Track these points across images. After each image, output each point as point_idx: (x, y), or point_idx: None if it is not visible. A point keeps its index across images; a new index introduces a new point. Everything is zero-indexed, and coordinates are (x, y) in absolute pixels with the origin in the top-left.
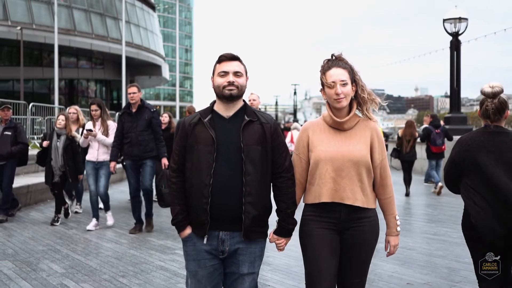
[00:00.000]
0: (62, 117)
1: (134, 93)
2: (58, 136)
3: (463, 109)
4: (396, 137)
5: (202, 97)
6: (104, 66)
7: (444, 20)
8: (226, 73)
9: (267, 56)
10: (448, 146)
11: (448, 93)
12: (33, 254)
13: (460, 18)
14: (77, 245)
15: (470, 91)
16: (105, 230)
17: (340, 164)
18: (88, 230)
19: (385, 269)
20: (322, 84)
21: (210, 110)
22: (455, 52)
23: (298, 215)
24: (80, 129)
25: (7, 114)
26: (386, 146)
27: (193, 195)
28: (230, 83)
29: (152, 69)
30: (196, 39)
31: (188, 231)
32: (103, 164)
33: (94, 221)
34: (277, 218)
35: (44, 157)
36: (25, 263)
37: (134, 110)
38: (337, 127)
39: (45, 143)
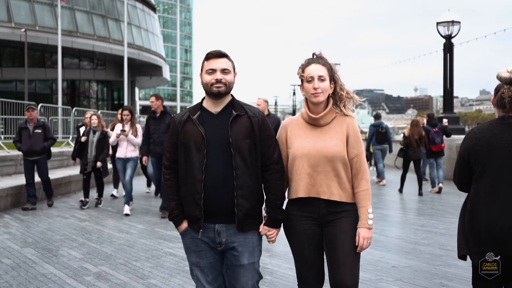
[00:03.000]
0: (95, 117)
1: (152, 102)
2: (94, 132)
3: (462, 109)
4: (401, 136)
5: (202, 97)
6: (106, 67)
7: (438, 23)
8: (213, 71)
9: (266, 56)
10: (448, 144)
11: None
12: (52, 243)
13: (453, 21)
14: (91, 235)
15: (469, 91)
16: (116, 222)
17: (315, 159)
18: (126, 215)
19: (374, 255)
20: (301, 80)
21: (199, 107)
22: (448, 54)
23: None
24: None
25: (32, 115)
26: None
27: (186, 191)
28: (218, 81)
29: (153, 70)
30: (196, 39)
31: (184, 225)
32: (130, 160)
33: (128, 206)
34: (266, 210)
35: (81, 151)
36: (46, 250)
37: (157, 115)
38: (313, 123)
39: (83, 139)
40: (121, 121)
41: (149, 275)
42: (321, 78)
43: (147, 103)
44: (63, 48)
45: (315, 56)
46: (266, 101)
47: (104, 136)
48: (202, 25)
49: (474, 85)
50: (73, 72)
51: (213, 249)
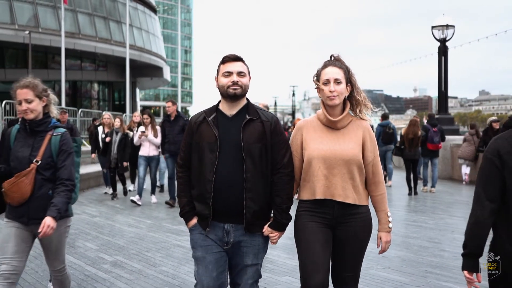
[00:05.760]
0: (118, 119)
1: (168, 106)
2: (116, 133)
3: (461, 110)
4: (399, 136)
5: (202, 98)
6: (107, 68)
7: (433, 27)
8: (230, 73)
9: (266, 57)
10: (443, 145)
11: (448, 94)
12: (68, 235)
13: (447, 25)
14: (103, 229)
15: (468, 92)
16: (125, 217)
17: (332, 162)
18: (132, 201)
19: None
20: (318, 82)
21: (215, 109)
22: (443, 57)
23: (292, 211)
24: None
25: (64, 117)
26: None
27: (197, 190)
28: (234, 83)
29: (154, 71)
30: (195, 40)
31: (194, 220)
32: (153, 159)
33: (137, 196)
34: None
35: (106, 150)
36: None
37: (172, 119)
38: (331, 126)
39: (107, 139)
40: (143, 124)
41: (160, 264)
42: (337, 81)
43: (147, 103)
44: (65, 50)
45: (332, 58)
46: (266, 106)
47: (126, 137)
48: (202, 26)
49: (473, 85)
50: (75, 73)
51: (219, 247)
